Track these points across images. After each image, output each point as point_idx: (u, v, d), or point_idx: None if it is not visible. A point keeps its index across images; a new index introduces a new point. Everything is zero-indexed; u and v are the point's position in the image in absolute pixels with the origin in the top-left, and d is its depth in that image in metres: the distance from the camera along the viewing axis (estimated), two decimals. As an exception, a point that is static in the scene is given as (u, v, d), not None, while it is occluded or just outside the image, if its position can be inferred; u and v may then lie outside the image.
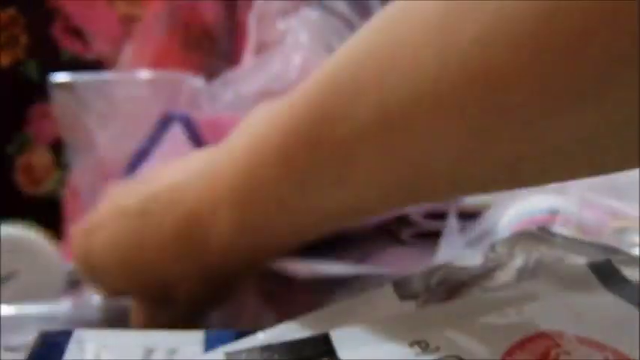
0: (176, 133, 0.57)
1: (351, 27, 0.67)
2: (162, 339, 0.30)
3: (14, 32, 1.02)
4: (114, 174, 0.58)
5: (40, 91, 1.01)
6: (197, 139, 0.57)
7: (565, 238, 0.34)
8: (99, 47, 0.82)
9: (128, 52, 0.68)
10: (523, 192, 0.52)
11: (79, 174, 0.59)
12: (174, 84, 0.58)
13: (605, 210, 0.49)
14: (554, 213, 0.48)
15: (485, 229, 0.50)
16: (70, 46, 1.03)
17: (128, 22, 0.80)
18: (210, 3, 0.72)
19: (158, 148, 0.57)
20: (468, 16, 0.22)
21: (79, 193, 0.61)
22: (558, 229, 0.43)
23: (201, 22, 0.72)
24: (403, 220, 0.60)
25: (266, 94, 0.60)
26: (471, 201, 0.68)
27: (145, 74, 0.58)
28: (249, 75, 0.60)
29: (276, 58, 0.61)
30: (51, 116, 0.96)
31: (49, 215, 0.77)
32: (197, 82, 0.58)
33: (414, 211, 0.59)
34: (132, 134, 0.57)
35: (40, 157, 1.04)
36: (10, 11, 1.02)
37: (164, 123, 0.57)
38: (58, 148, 1.00)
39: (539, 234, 0.33)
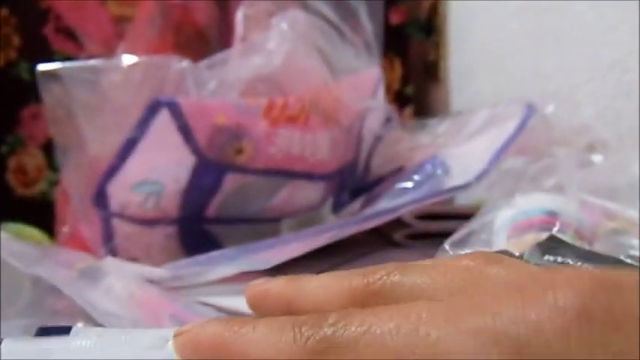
0: (164, 120, 0.56)
1: (335, 28, 0.66)
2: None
3: (6, 33, 1.02)
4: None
5: (33, 92, 1.01)
6: (185, 127, 0.57)
7: (573, 247, 0.33)
8: (91, 48, 0.82)
9: (120, 52, 0.68)
10: (519, 192, 0.51)
11: (69, 174, 0.59)
12: (160, 67, 0.57)
13: (602, 212, 0.49)
14: (551, 215, 0.47)
15: (471, 230, 0.49)
16: (62, 47, 1.02)
17: (120, 23, 0.80)
18: (203, 3, 0.72)
19: (146, 135, 0.57)
20: None
21: (69, 194, 0.61)
22: (558, 233, 0.43)
23: (193, 22, 0.72)
24: (395, 221, 0.60)
25: (251, 81, 0.60)
26: (465, 202, 0.68)
27: (131, 59, 0.58)
28: (234, 61, 0.60)
29: (261, 47, 0.61)
30: (43, 117, 0.96)
31: (41, 216, 0.76)
32: (183, 64, 0.58)
33: (407, 212, 0.59)
34: (120, 126, 0.57)
35: (32, 158, 1.04)
36: (2, 12, 1.01)
37: (152, 109, 0.56)
38: (50, 149, 0.99)
39: (546, 243, 0.33)
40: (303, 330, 0.22)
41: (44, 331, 0.30)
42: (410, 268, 0.24)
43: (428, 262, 0.25)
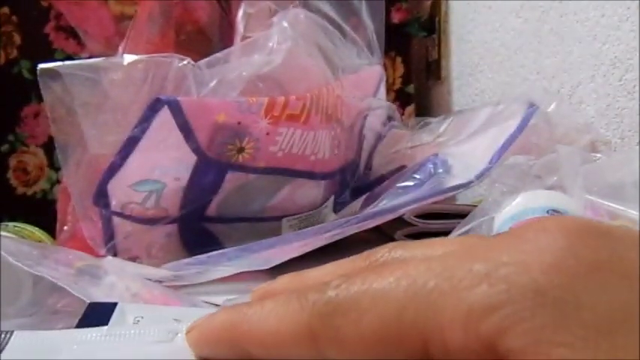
0: (165, 119, 0.56)
1: (337, 27, 0.66)
2: (190, 313, 0.34)
3: (7, 32, 1.02)
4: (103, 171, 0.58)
5: (34, 91, 1.01)
6: (185, 126, 0.57)
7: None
8: (92, 46, 0.82)
9: (121, 51, 0.68)
10: (521, 190, 0.51)
11: (70, 173, 0.59)
12: (161, 66, 0.57)
13: (606, 211, 0.48)
14: (555, 213, 0.47)
15: (471, 228, 0.49)
16: (63, 46, 1.03)
17: (121, 21, 0.80)
18: (203, 2, 0.72)
19: (147, 134, 0.57)
20: None
21: (70, 193, 0.61)
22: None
23: (194, 21, 0.72)
24: (396, 220, 0.60)
25: (252, 80, 0.60)
26: (466, 200, 0.68)
27: (131, 57, 0.57)
28: (235, 60, 0.60)
29: (262, 46, 0.61)
30: (44, 116, 0.96)
31: (41, 215, 0.76)
32: (184, 62, 0.58)
33: (408, 211, 0.59)
34: (120, 125, 0.57)
35: (33, 157, 1.04)
36: (3, 10, 1.01)
37: (153, 108, 0.56)
38: (51, 148, 0.99)
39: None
40: (308, 297, 0.22)
41: (95, 306, 0.33)
42: (411, 243, 0.25)
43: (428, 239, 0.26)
